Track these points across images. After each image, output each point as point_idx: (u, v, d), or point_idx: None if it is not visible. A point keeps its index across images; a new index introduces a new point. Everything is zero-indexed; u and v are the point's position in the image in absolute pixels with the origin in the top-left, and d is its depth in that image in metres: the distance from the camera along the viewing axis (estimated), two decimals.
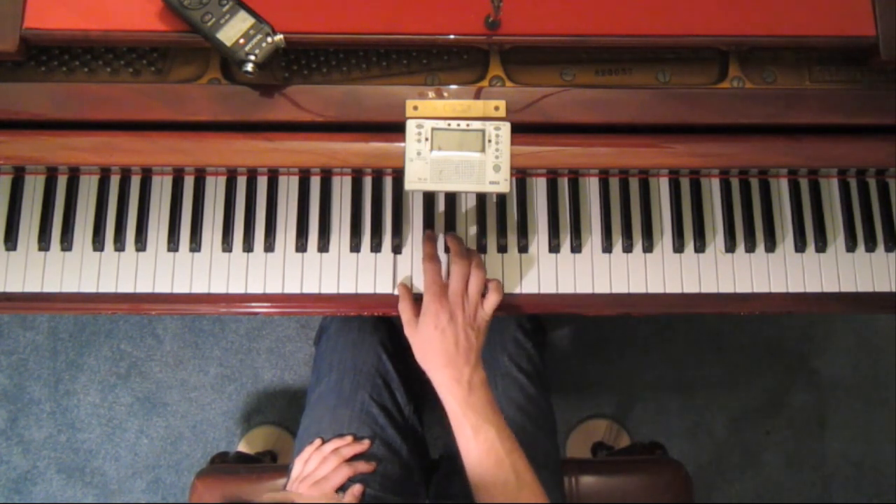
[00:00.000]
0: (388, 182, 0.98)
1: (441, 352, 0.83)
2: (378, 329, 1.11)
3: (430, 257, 0.90)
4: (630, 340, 1.72)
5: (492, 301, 0.87)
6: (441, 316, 0.84)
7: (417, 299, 0.90)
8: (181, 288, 0.94)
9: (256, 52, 0.80)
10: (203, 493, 1.07)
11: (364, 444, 0.96)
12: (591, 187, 0.98)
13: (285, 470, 1.07)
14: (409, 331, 0.87)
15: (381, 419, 1.00)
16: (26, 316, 1.70)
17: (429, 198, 0.98)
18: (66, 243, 0.95)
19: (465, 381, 0.82)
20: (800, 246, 0.97)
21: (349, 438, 0.97)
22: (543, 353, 1.15)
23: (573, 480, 1.08)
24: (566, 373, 1.68)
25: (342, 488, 0.92)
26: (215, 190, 0.97)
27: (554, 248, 0.96)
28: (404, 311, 0.89)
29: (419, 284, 0.95)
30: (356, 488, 0.91)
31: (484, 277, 0.89)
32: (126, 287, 0.94)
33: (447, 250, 0.94)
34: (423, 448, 1.09)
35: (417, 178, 0.84)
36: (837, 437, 1.69)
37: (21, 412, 1.66)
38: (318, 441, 0.97)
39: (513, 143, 0.84)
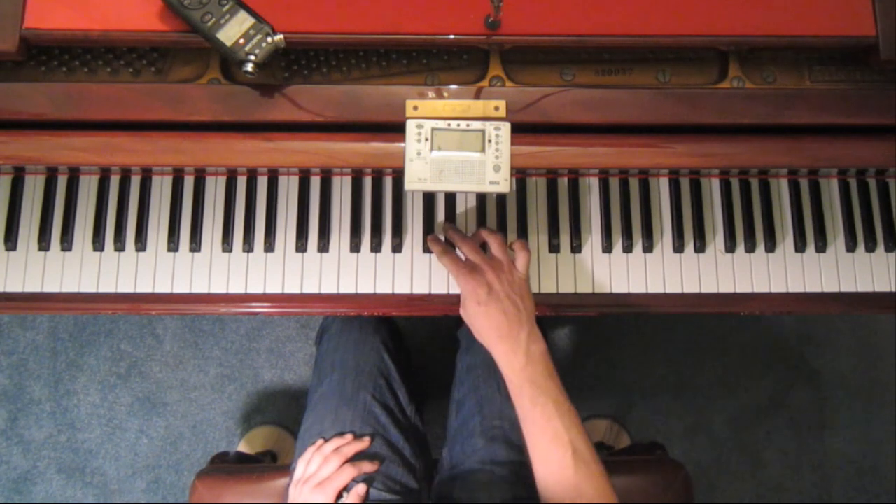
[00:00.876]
0: (388, 182, 0.98)
1: (492, 326, 0.82)
2: (380, 328, 1.11)
3: (442, 251, 0.90)
4: (630, 340, 1.72)
5: (522, 260, 0.86)
6: (479, 291, 0.83)
7: (422, 304, 0.90)
8: (181, 288, 0.94)
9: (256, 52, 0.80)
10: (203, 493, 1.07)
11: (365, 442, 0.96)
12: (591, 187, 0.98)
13: (285, 470, 1.07)
14: (462, 313, 0.86)
15: (383, 419, 1.00)
16: (26, 316, 1.70)
17: (429, 198, 0.98)
18: (66, 243, 0.95)
19: (522, 351, 0.81)
20: (800, 246, 0.97)
21: (349, 437, 0.96)
22: None
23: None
24: (566, 373, 1.68)
25: (346, 488, 0.92)
26: (215, 190, 0.97)
27: (554, 248, 0.96)
28: (451, 268, 0.87)
29: (418, 286, 0.95)
30: (360, 488, 0.91)
31: (500, 238, 0.88)
32: (126, 287, 0.94)
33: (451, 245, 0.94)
34: (424, 447, 1.09)
35: (417, 178, 0.84)
36: (837, 437, 1.69)
37: (21, 412, 1.66)
38: (319, 441, 0.97)
39: (513, 143, 0.84)
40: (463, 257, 0.89)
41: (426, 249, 0.96)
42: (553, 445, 0.78)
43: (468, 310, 0.84)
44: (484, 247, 0.91)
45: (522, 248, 0.87)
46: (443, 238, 0.95)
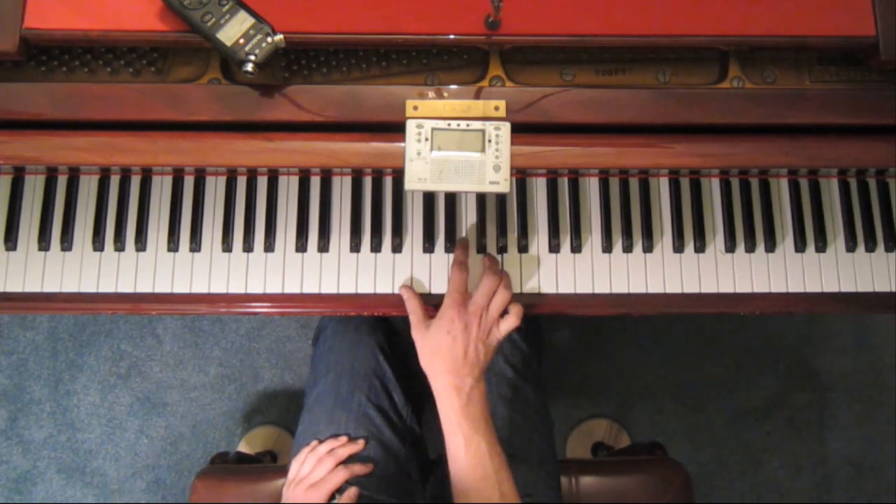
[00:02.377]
0: (388, 182, 0.98)
1: (448, 358, 0.83)
2: (376, 330, 1.11)
3: (460, 264, 0.90)
4: (630, 340, 1.72)
5: (509, 324, 0.87)
6: (456, 323, 0.84)
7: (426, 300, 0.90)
8: (181, 288, 0.94)
9: (256, 52, 0.80)
10: (203, 493, 1.07)
11: (359, 445, 0.96)
12: (591, 187, 0.98)
13: (285, 470, 1.07)
14: (417, 333, 0.87)
15: (378, 421, 1.00)
16: (26, 316, 1.70)
17: (429, 198, 0.98)
18: (66, 243, 0.95)
19: (466, 391, 0.82)
20: (800, 246, 0.97)
21: (344, 439, 0.97)
22: (540, 353, 1.15)
23: (573, 480, 1.08)
24: (566, 373, 1.68)
25: (338, 490, 0.92)
26: (215, 190, 0.97)
27: (554, 248, 0.96)
28: (414, 311, 0.89)
29: (418, 286, 0.95)
30: (352, 491, 0.91)
31: (508, 298, 0.88)
32: (126, 287, 0.94)
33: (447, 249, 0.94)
34: (421, 449, 1.09)
35: (417, 178, 0.84)
36: (837, 437, 1.69)
37: (21, 412, 1.66)
38: (314, 442, 0.97)
39: (513, 143, 0.84)
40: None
41: (426, 249, 0.96)
42: (482, 484, 0.80)
43: (434, 332, 0.85)
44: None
45: (516, 315, 0.88)
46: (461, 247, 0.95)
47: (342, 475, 0.92)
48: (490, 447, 0.82)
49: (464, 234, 0.97)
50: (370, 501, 0.93)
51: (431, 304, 0.92)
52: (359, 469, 0.94)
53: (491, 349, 0.86)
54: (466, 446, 0.81)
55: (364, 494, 0.93)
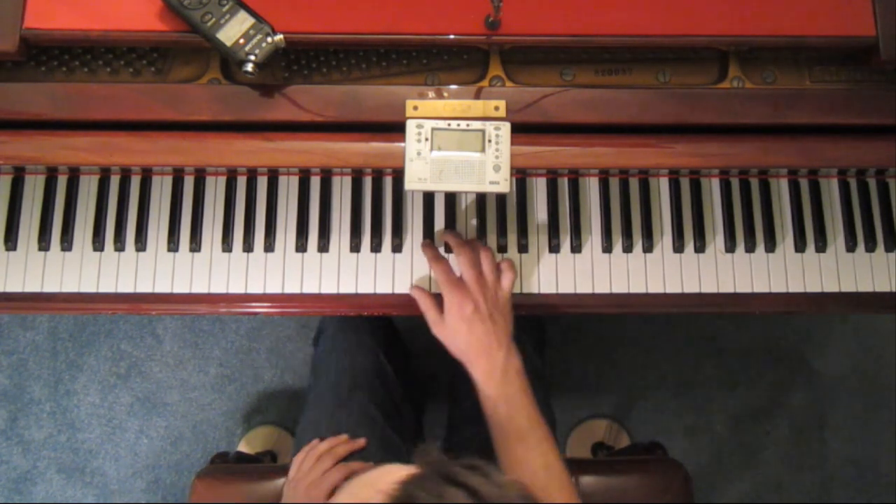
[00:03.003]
0: (388, 182, 0.98)
1: (473, 343, 0.83)
2: (376, 330, 1.11)
3: (434, 258, 0.90)
4: (630, 340, 1.72)
5: (508, 278, 0.87)
6: (465, 307, 0.83)
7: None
8: (181, 288, 0.94)
9: (256, 52, 0.80)
10: (203, 493, 1.07)
11: (359, 443, 0.96)
12: (591, 187, 0.98)
13: (285, 470, 1.07)
14: (436, 329, 0.87)
15: (378, 419, 1.00)
16: (26, 316, 1.70)
17: (429, 198, 0.98)
18: (66, 243, 0.95)
19: (500, 370, 0.82)
20: (800, 246, 0.97)
21: (344, 437, 0.97)
22: (543, 352, 1.15)
23: (573, 480, 1.08)
24: (566, 373, 1.68)
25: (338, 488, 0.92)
26: (215, 190, 0.97)
27: (554, 248, 0.96)
28: (428, 310, 0.88)
29: (420, 284, 0.95)
30: None
31: (492, 257, 0.88)
32: (126, 287, 0.94)
33: (448, 250, 0.94)
34: None
35: (417, 178, 0.84)
36: (837, 437, 1.69)
37: (21, 412, 1.66)
38: (314, 441, 0.97)
39: (513, 143, 0.84)
40: (455, 266, 0.90)
41: None
42: (525, 462, 0.80)
43: (449, 322, 0.85)
44: None
45: (510, 269, 0.88)
46: (439, 243, 0.95)
47: (341, 473, 0.92)
48: (530, 423, 0.81)
49: (476, 235, 0.96)
50: None
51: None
52: (358, 467, 0.94)
53: (506, 311, 0.86)
54: (508, 424, 0.81)
55: None
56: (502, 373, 0.82)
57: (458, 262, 0.88)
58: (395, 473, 0.50)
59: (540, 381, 1.07)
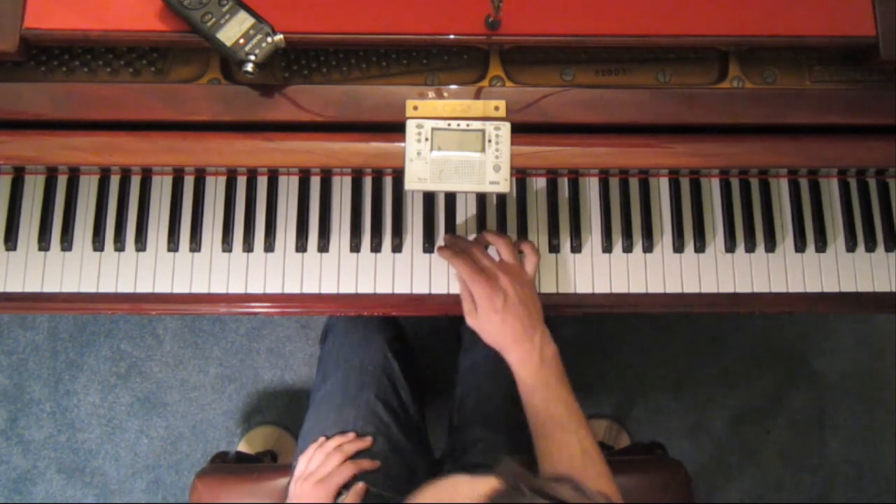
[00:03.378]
0: (388, 182, 0.98)
1: (507, 332, 0.84)
2: (384, 328, 1.11)
3: (456, 254, 0.90)
4: (630, 340, 1.72)
5: (532, 262, 0.88)
6: (496, 299, 0.84)
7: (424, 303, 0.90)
8: (181, 288, 0.94)
9: (256, 52, 0.80)
10: (203, 493, 1.07)
11: (367, 441, 0.96)
12: (591, 187, 0.98)
13: (285, 470, 1.07)
14: (471, 320, 0.87)
15: (386, 418, 1.00)
16: (26, 316, 1.70)
17: (429, 198, 0.98)
18: (66, 243, 0.95)
19: (537, 354, 0.83)
20: (800, 246, 0.97)
21: (352, 435, 0.97)
22: None
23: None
24: (567, 373, 1.68)
25: (346, 486, 0.92)
26: (215, 190, 0.97)
27: (554, 248, 0.96)
28: (464, 302, 0.89)
29: (418, 286, 0.95)
30: (359, 486, 0.91)
31: (508, 240, 0.89)
32: (126, 287, 0.94)
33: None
34: (427, 446, 1.09)
35: (417, 178, 0.84)
36: (837, 437, 1.69)
37: (21, 412, 1.66)
38: (321, 439, 0.97)
39: (513, 143, 0.84)
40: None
41: (426, 249, 0.96)
42: (563, 446, 0.80)
43: (483, 316, 0.85)
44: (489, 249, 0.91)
45: (533, 252, 0.89)
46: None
47: (350, 471, 0.92)
48: (567, 409, 0.82)
49: (476, 235, 0.96)
50: (377, 499, 0.93)
51: (433, 303, 0.93)
52: (367, 465, 0.94)
53: (534, 293, 0.87)
54: (545, 409, 0.82)
55: (371, 491, 0.93)
56: (539, 359, 0.83)
57: (473, 257, 0.88)
58: (474, 487, 0.50)
59: None
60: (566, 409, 0.82)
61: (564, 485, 0.49)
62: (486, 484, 0.50)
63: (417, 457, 1.02)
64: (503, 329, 0.84)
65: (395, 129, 0.84)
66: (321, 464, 0.93)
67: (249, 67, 0.80)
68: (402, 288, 0.95)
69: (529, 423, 0.84)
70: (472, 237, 0.96)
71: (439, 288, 0.95)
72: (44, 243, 0.95)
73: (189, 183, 0.97)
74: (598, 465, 0.80)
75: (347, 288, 0.95)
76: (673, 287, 0.96)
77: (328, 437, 0.97)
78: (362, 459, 0.94)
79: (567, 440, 0.80)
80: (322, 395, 1.04)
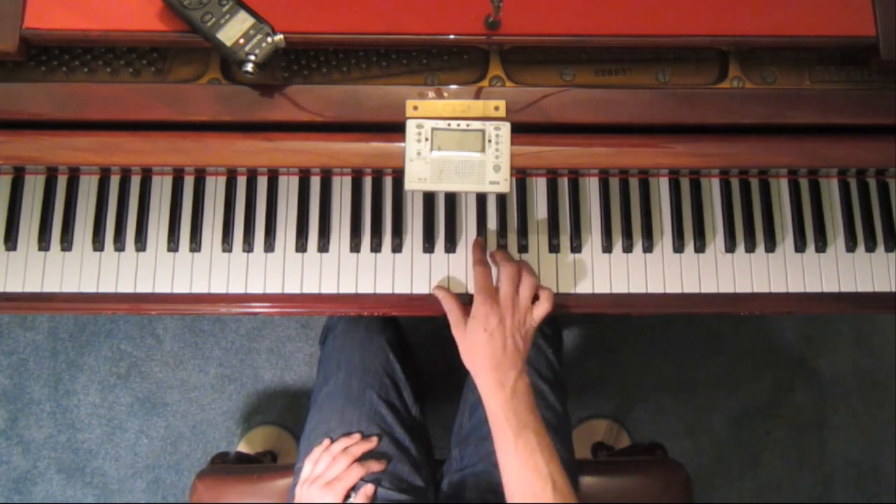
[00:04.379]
0: (388, 182, 0.98)
1: (489, 355, 0.83)
2: (385, 328, 1.11)
3: (480, 261, 0.90)
4: (630, 340, 1.72)
5: (542, 309, 0.87)
6: (491, 319, 0.84)
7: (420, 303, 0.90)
8: (181, 288, 0.94)
9: (256, 52, 0.80)
10: (203, 493, 1.07)
11: (372, 442, 0.96)
12: (591, 187, 0.98)
13: (285, 470, 1.07)
14: (456, 332, 0.87)
15: (389, 418, 1.00)
16: (26, 316, 1.70)
17: (429, 198, 0.98)
18: (66, 243, 0.95)
19: (510, 385, 0.82)
20: (800, 246, 0.97)
21: (357, 436, 0.96)
22: (560, 357, 1.15)
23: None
24: (567, 373, 1.67)
25: (354, 488, 0.92)
26: (215, 190, 0.97)
27: (554, 248, 0.96)
28: (452, 311, 0.88)
29: (418, 286, 0.95)
30: (368, 488, 0.91)
31: (535, 283, 0.88)
32: (126, 287, 0.94)
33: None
34: (429, 447, 1.09)
35: (417, 178, 0.84)
36: (837, 437, 1.69)
37: (21, 412, 1.66)
38: (326, 441, 0.97)
39: (513, 143, 0.84)
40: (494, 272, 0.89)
41: (426, 249, 0.96)
42: (533, 478, 0.79)
43: (471, 331, 0.85)
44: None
45: (548, 299, 0.87)
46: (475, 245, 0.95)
47: (358, 473, 0.91)
48: (539, 440, 0.81)
49: (476, 235, 0.96)
50: (385, 500, 0.93)
51: (433, 303, 0.93)
52: (374, 466, 0.94)
53: (529, 337, 0.86)
54: (515, 441, 0.80)
55: (378, 492, 0.93)
56: (511, 389, 0.82)
57: (500, 274, 0.88)
58: None
59: (560, 389, 1.07)
60: (537, 441, 0.80)
61: None
62: None
63: (421, 456, 1.02)
64: (485, 349, 0.83)
65: (395, 129, 0.84)
66: (328, 466, 0.93)
67: (249, 67, 0.80)
68: (402, 288, 0.95)
69: (497, 453, 0.83)
70: (472, 240, 0.96)
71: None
72: (44, 243, 0.95)
73: (189, 183, 0.97)
74: (567, 498, 0.79)
75: (347, 288, 0.95)
76: (673, 287, 0.96)
77: (333, 439, 0.97)
78: (369, 461, 0.94)
79: (538, 471, 0.79)
80: (324, 396, 1.04)
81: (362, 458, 0.94)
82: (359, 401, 1.01)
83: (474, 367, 0.85)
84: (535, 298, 0.88)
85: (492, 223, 0.97)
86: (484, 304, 0.85)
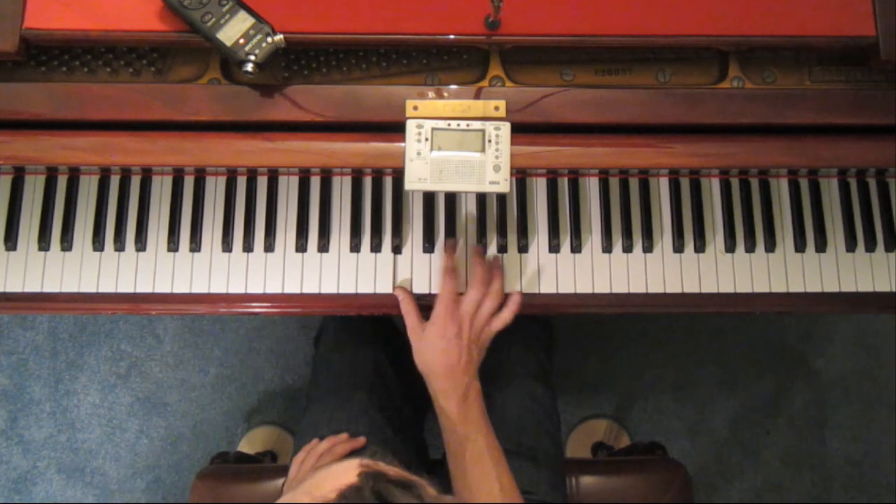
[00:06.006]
0: (388, 182, 0.98)
1: (443, 362, 0.84)
2: (378, 331, 1.11)
3: (449, 270, 0.90)
4: (630, 340, 1.71)
5: (501, 320, 0.88)
6: (449, 329, 0.85)
7: (419, 302, 0.90)
8: (181, 288, 0.94)
9: (256, 52, 0.80)
10: (203, 493, 1.07)
11: (359, 441, 0.96)
12: (591, 187, 0.98)
13: (285, 470, 1.07)
14: (413, 335, 0.88)
15: (379, 420, 1.00)
16: (26, 316, 1.70)
17: (429, 198, 0.98)
18: (66, 243, 0.95)
19: (462, 391, 0.83)
20: (800, 246, 0.97)
21: (344, 436, 0.97)
22: (551, 353, 1.15)
23: (573, 480, 1.08)
24: (566, 373, 1.68)
25: None
26: (215, 190, 0.97)
27: (554, 248, 0.96)
28: (408, 315, 0.89)
29: (418, 285, 0.95)
30: None
31: (496, 304, 0.88)
32: (126, 287, 0.94)
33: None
34: (422, 449, 1.09)
35: (417, 178, 0.84)
36: (837, 437, 1.69)
37: (21, 412, 1.66)
38: (314, 441, 0.97)
39: (513, 143, 0.84)
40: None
41: (426, 249, 0.96)
42: (482, 480, 0.81)
43: (429, 336, 0.86)
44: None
45: (510, 310, 0.89)
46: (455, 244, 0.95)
47: None
48: (488, 443, 0.83)
49: (476, 236, 0.96)
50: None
51: (433, 303, 0.92)
52: None
53: (484, 347, 0.88)
54: (465, 444, 0.82)
55: None
56: (462, 395, 0.83)
57: (470, 277, 0.89)
58: (336, 480, 0.50)
59: (548, 385, 1.07)
60: (487, 446, 0.82)
61: (410, 493, 0.48)
62: (346, 478, 0.50)
63: (412, 458, 1.02)
64: (439, 357, 0.84)
65: (395, 129, 0.84)
66: (313, 466, 0.93)
67: (249, 67, 0.80)
68: None
69: (448, 456, 0.85)
70: (472, 239, 0.96)
71: (439, 288, 0.95)
72: (44, 243, 0.95)
73: (189, 183, 0.97)
74: (514, 498, 0.81)
75: (347, 288, 0.95)
76: (673, 287, 0.96)
77: (321, 439, 0.97)
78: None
79: (485, 477, 0.81)
80: (315, 398, 1.04)
81: (348, 458, 0.94)
82: (348, 402, 1.01)
83: (427, 371, 0.86)
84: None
85: (492, 223, 0.97)
86: (444, 315, 0.86)
